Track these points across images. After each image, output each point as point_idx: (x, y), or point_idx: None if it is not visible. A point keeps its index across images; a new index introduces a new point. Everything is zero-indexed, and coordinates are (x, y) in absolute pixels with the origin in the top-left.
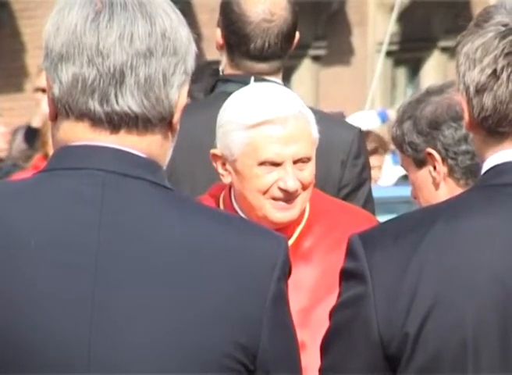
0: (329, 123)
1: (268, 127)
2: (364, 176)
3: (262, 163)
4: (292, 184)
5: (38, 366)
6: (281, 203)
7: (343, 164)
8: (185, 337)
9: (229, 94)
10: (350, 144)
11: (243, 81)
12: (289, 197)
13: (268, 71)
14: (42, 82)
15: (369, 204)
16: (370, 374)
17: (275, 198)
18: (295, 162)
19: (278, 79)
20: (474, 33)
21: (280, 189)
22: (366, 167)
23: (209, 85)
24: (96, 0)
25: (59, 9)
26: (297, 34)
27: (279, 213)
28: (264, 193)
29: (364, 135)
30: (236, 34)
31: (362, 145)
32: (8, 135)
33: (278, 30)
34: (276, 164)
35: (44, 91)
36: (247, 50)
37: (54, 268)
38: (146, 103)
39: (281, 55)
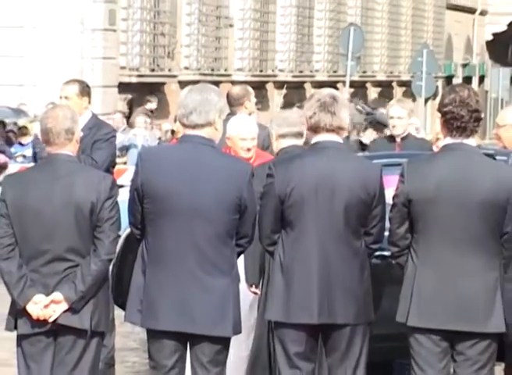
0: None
1: (241, 128)
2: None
3: (240, 139)
4: (249, 146)
5: (168, 199)
6: (246, 152)
7: (263, 147)
8: (222, 195)
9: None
10: (264, 137)
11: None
12: (248, 150)
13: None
14: (174, 126)
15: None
16: (276, 208)
17: (244, 150)
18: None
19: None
20: (309, 99)
21: (246, 148)
22: (269, 147)
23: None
24: (192, 88)
25: (184, 93)
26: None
27: (245, 155)
28: (241, 148)
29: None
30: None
31: (268, 137)
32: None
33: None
34: (244, 139)
35: (172, 131)
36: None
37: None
38: (205, 119)
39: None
